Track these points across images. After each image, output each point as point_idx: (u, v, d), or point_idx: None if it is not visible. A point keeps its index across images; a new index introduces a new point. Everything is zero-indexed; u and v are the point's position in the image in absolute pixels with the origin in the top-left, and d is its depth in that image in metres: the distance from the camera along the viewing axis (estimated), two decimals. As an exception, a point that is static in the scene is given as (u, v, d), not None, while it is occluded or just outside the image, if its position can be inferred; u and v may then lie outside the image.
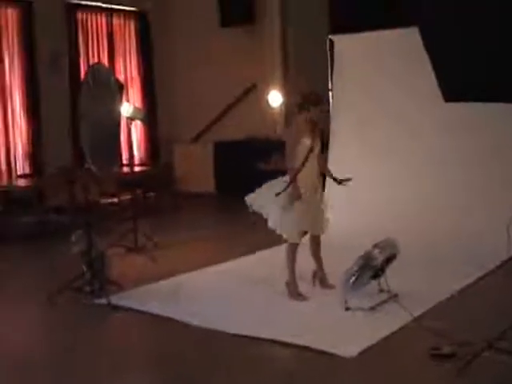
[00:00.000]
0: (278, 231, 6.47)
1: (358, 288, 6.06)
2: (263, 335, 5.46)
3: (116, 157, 8.41)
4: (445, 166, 8.90)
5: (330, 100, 10.03)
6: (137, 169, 12.38)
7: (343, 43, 9.97)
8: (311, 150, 6.35)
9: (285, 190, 6.26)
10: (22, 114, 12.50)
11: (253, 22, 13.83)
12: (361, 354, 5.01)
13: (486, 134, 8.56)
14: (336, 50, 10.04)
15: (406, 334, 5.45)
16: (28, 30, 12.41)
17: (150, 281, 7.32)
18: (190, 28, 14.58)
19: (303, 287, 6.57)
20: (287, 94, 13.37)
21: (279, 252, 6.82)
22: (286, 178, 6.36)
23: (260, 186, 6.57)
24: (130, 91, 14.44)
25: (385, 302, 6.04)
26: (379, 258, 6.01)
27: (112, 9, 13.93)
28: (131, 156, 10.83)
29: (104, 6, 13.72)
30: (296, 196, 6.31)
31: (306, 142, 6.38)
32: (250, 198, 6.59)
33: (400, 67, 9.25)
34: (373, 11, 11.09)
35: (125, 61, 14.36)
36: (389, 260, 6.15)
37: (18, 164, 12.46)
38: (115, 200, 12.19)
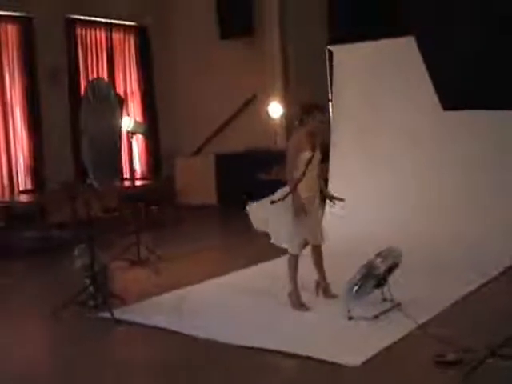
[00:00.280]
0: (280, 244, 6.50)
1: (361, 297, 6.06)
2: (267, 346, 5.46)
3: (117, 171, 8.43)
4: (446, 174, 8.93)
5: (330, 110, 10.06)
6: (138, 183, 12.38)
7: (342, 53, 10.02)
8: (310, 161, 6.36)
9: (283, 199, 6.26)
10: (23, 130, 12.54)
11: (252, 33, 13.88)
12: (365, 363, 5.00)
13: (487, 141, 8.60)
14: (335, 60, 10.09)
15: (409, 342, 5.45)
16: (28, 46, 12.47)
17: (153, 294, 7.32)
18: (190, 41, 14.63)
19: (306, 297, 6.57)
20: (287, 105, 13.40)
21: (281, 263, 6.82)
22: (286, 189, 6.37)
23: (261, 197, 6.59)
24: (131, 105, 14.48)
25: (388, 310, 6.03)
26: (381, 267, 6.01)
27: (112, 23, 13.97)
28: (132, 170, 10.85)
29: (104, 20, 13.76)
30: (300, 208, 6.32)
31: (307, 154, 6.40)
32: (251, 210, 6.61)
33: (398, 76, 9.30)
34: (371, 21, 11.14)
35: (125, 75, 14.39)
36: (391, 269, 6.15)
37: (19, 179, 12.49)
38: (117, 214, 12.19)
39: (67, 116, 12.75)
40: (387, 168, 9.45)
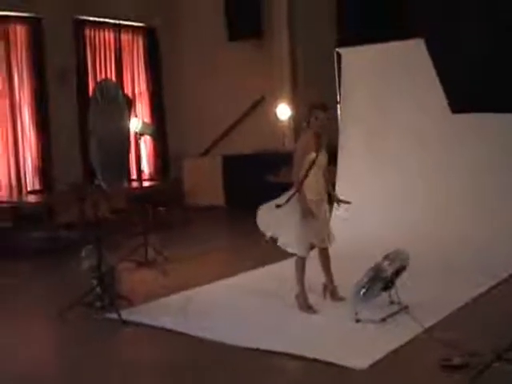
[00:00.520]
0: (287, 248, 6.50)
1: (368, 300, 6.05)
2: (274, 348, 5.45)
3: (125, 172, 8.44)
4: (454, 177, 8.91)
5: (339, 113, 10.06)
6: (146, 184, 12.38)
7: (350, 56, 10.01)
8: (313, 162, 6.34)
9: (287, 201, 6.23)
10: (31, 130, 12.57)
11: (261, 35, 13.89)
12: (371, 366, 5.00)
13: (494, 144, 8.58)
14: (343, 62, 10.08)
15: (416, 345, 5.44)
16: (37, 46, 12.50)
17: (160, 295, 7.33)
18: (198, 43, 14.64)
19: (313, 300, 6.56)
20: (296, 107, 13.40)
21: (289, 265, 6.81)
22: (291, 192, 6.36)
23: (269, 199, 6.58)
24: (139, 106, 14.50)
25: (395, 313, 6.02)
26: (389, 269, 6.00)
27: (120, 25, 14.00)
28: (140, 171, 10.86)
29: (112, 22, 13.79)
30: (307, 211, 6.31)
31: (313, 155, 6.39)
32: (258, 213, 6.60)
33: (407, 79, 9.28)
34: (379, 24, 11.13)
35: (133, 76, 14.41)
36: (398, 271, 6.14)
37: (28, 180, 12.53)
38: (125, 215, 12.19)
39: (75, 117, 12.78)
40: (395, 170, 9.43)
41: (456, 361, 4.83)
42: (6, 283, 8.48)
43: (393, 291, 6.12)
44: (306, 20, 13.51)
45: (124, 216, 11.97)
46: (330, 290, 6.79)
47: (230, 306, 6.89)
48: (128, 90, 13.98)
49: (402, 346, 5.37)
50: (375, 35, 9.56)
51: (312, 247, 6.67)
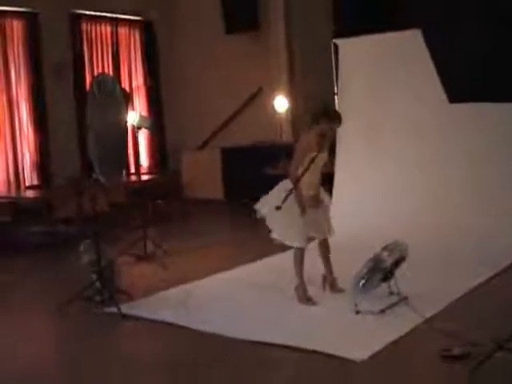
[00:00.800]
0: (284, 241, 6.49)
1: (367, 291, 6.06)
2: (274, 340, 5.46)
3: (124, 166, 8.43)
4: (453, 167, 8.91)
5: (336, 103, 10.05)
6: (145, 177, 12.38)
7: (347, 47, 9.99)
8: (313, 160, 6.29)
9: (284, 201, 6.10)
10: (29, 125, 12.55)
11: (258, 28, 13.84)
12: (371, 357, 5.00)
13: (493, 133, 8.57)
14: (341, 53, 10.07)
15: (416, 336, 5.44)
16: (34, 41, 12.47)
17: (159, 289, 7.32)
18: (196, 36, 14.60)
19: (313, 291, 6.56)
20: (293, 99, 13.38)
21: (287, 257, 6.80)
22: (288, 186, 6.32)
23: (268, 191, 6.57)
24: (137, 100, 14.47)
25: (395, 304, 6.02)
26: (388, 260, 6.00)
27: (117, 18, 13.95)
28: (138, 164, 10.84)
29: (109, 15, 13.75)
30: (304, 206, 6.30)
31: (314, 153, 6.35)
32: (258, 207, 6.62)
33: (404, 69, 9.26)
34: (376, 15, 11.10)
35: (130, 70, 14.37)
36: (398, 262, 6.14)
37: (26, 175, 12.51)
38: (124, 209, 12.18)
39: (73, 111, 12.75)
40: (392, 161, 9.42)
41: (456, 351, 4.82)
42: (5, 278, 8.46)
43: (392, 282, 6.12)
44: (302, 11, 13.47)
45: (123, 210, 11.94)
46: (330, 282, 6.78)
47: (229, 298, 6.89)
48: (125, 84, 13.94)
49: (401, 337, 5.38)
50: (372, 26, 9.54)
51: (311, 238, 6.66)
